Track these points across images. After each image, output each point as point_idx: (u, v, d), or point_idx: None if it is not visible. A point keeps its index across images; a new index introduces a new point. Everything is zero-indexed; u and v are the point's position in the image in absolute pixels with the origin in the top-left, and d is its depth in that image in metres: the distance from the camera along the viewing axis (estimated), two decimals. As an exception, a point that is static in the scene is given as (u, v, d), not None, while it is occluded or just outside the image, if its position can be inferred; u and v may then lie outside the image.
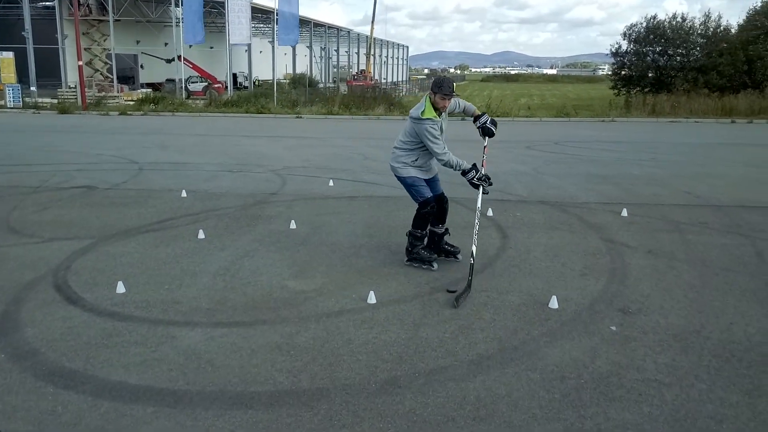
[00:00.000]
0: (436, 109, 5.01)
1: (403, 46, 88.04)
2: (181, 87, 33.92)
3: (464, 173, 5.17)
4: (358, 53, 64.78)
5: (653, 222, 6.77)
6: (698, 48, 31.02)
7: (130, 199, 7.83)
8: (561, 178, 9.55)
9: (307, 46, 51.77)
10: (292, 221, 6.56)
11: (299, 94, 30.20)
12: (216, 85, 36.53)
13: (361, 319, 4.17)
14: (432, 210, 5.19)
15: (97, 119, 21.79)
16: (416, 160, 5.19)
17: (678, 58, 31.52)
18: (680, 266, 5.24)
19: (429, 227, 5.30)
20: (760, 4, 30.13)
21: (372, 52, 62.33)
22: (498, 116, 23.69)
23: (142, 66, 41.85)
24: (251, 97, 28.32)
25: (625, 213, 7.06)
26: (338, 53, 60.83)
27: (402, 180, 5.31)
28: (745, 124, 21.72)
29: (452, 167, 5.15)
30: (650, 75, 31.75)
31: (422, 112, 4.95)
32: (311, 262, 5.35)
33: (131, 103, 27.92)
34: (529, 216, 7.05)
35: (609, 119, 22.96)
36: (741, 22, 31.59)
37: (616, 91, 32.87)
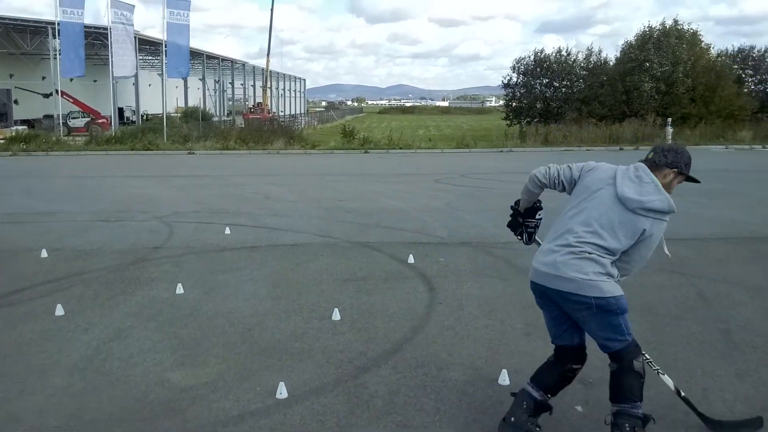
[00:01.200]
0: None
1: (300, 78, 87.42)
2: (60, 123, 31.05)
3: None
4: (254, 86, 63.29)
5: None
6: (581, 80, 32.82)
7: (-27, 264, 6.34)
8: (477, 215, 9.04)
9: (200, 79, 49.78)
10: (179, 285, 5.44)
11: (192, 128, 28.49)
12: (99, 121, 33.86)
13: (270, 425, 3.20)
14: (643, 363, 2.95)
15: (-47, 161, 19.12)
16: (618, 273, 2.86)
17: (563, 89, 33.21)
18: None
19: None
20: (633, 39, 32.31)
21: (269, 85, 61.16)
22: (400, 148, 23.48)
23: (16, 101, 38.24)
24: (138, 132, 26.30)
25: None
26: (233, 86, 59.07)
27: (596, 301, 2.74)
28: (632, 150, 22.82)
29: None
30: (538, 106, 33.20)
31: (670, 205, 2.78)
32: (203, 341, 4.30)
33: (1, 142, 25.02)
34: (453, 261, 6.36)
35: (507, 149, 23.36)
36: (618, 55, 33.81)
37: (508, 121, 34.05)
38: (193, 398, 3.49)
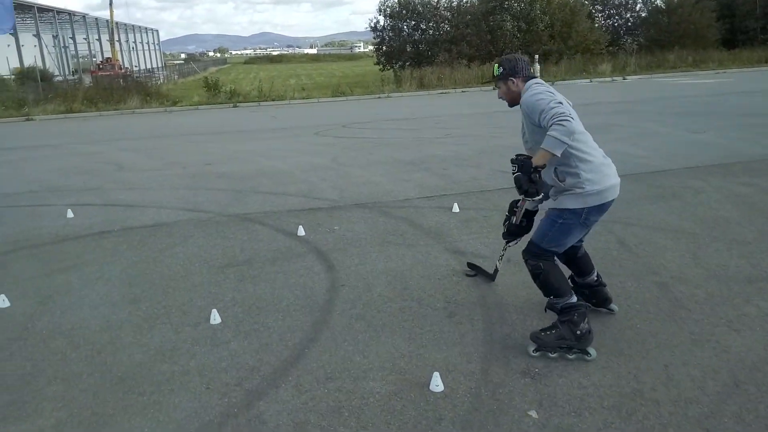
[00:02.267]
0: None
1: (152, 30, 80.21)
2: None
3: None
4: (99, 40, 56.98)
5: (490, 215, 5.75)
6: (447, 21, 32.63)
7: None
8: (367, 169, 8.23)
9: (34, 35, 43.80)
10: (2, 296, 4.15)
11: (28, 91, 24.77)
12: None
13: None
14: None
15: None
16: None
17: (430, 31, 32.90)
18: (554, 277, 4.18)
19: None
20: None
21: (116, 38, 55.30)
22: (273, 100, 21.96)
23: None
24: (-39, 98, 22.38)
25: (456, 209, 5.94)
26: (75, 41, 52.75)
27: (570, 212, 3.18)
28: (504, 90, 23.01)
29: None
30: (409, 49, 32.68)
31: None
32: (34, 378, 3.16)
33: None
34: (350, 229, 5.53)
35: (384, 95, 22.65)
36: (481, -6, 33.85)
37: (380, 66, 33.31)
38: (15, 477, 2.43)
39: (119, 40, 56.61)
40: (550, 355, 3.16)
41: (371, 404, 2.81)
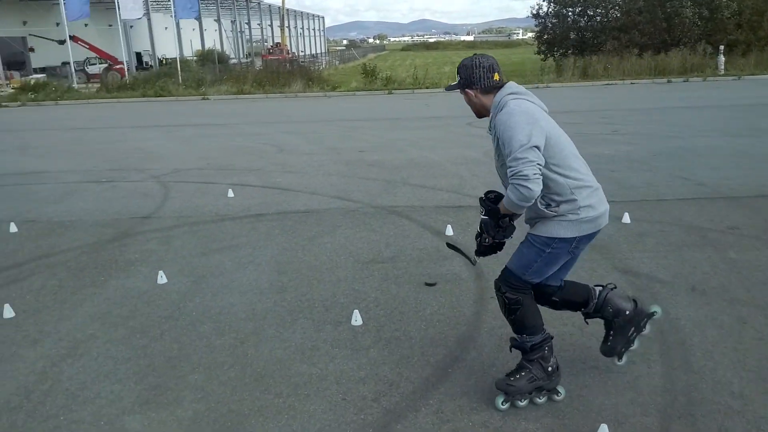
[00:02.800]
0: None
1: (318, 17, 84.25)
2: (73, 71, 29.87)
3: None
4: (271, 26, 60.94)
5: (669, 230, 5.01)
6: (617, 7, 30.22)
7: (-74, 244, 5.32)
8: (523, 167, 7.69)
9: (215, 20, 47.88)
10: (161, 272, 4.33)
11: (206, 72, 27.04)
12: (117, 67, 32.53)
13: None
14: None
15: (-43, 114, 18.21)
16: None
17: (598, 18, 30.66)
18: (753, 318, 3.46)
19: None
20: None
21: (286, 24, 58.76)
22: (426, 88, 21.83)
23: (32, 49, 37.12)
24: (152, 78, 25.01)
25: (627, 219, 5.26)
26: (250, 26, 56.90)
27: (547, 239, 2.74)
28: (681, 83, 20.85)
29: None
30: (572, 36, 30.76)
31: None
32: (179, 362, 3.20)
33: (11, 91, 24.03)
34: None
35: (543, 85, 21.54)
36: (658, -22, 30.88)
37: (542, 55, 31.79)
38: (152, 468, 2.41)
39: (288, 26, 60.07)
40: (519, 404, 2.70)
41: (523, 450, 2.44)
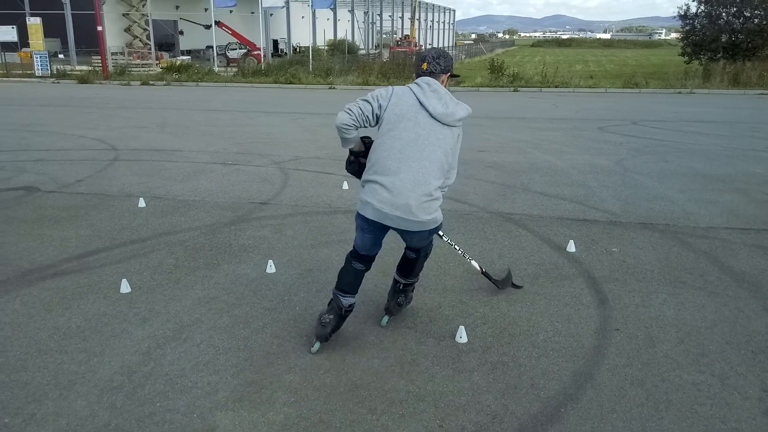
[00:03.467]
0: None
1: (449, 9, 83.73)
2: (215, 54, 31.88)
3: None
4: (402, 18, 61.43)
5: (836, 271, 4.27)
6: (779, 7, 27.07)
7: (68, 212, 5.76)
8: (661, 181, 7.00)
9: (349, 11, 49.12)
10: (270, 261, 4.34)
11: (335, 61, 27.72)
12: (255, 52, 34.32)
13: None
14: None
15: (114, 90, 20.01)
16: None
17: (755, 20, 27.62)
18: None
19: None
20: None
21: (417, 16, 58.95)
22: (556, 87, 20.88)
23: (181, 32, 40.26)
24: (283, 65, 26.07)
25: (784, 252, 4.57)
26: (381, 18, 57.71)
27: (436, 230, 3.24)
28: None
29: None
30: (723, 39, 27.96)
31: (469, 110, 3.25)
32: (276, 359, 3.14)
33: (158, 71, 26.11)
34: (632, 254, 4.62)
35: (686, 90, 19.82)
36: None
37: (686, 57, 29.30)
38: (238, 470, 2.34)
39: (419, 19, 60.26)
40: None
41: None
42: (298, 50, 39.80)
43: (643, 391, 2.85)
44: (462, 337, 3.34)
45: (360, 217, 3.13)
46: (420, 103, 3.01)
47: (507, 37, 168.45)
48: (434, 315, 3.65)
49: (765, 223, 5.41)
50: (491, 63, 24.10)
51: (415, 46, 49.26)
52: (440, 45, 67.64)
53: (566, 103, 16.39)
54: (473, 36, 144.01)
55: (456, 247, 3.99)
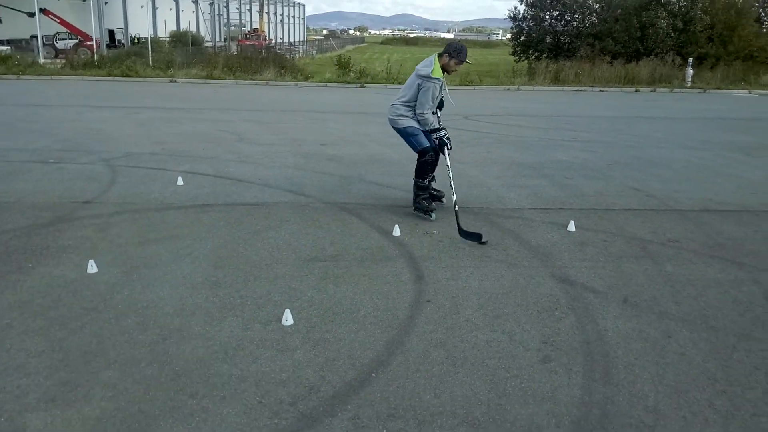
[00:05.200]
0: (444, 71, 5.34)
1: (300, 4, 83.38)
2: (40, 45, 28.98)
3: (436, 131, 5.43)
4: (250, 11, 60.12)
5: (611, 240, 5.05)
6: (594, 13, 30.54)
7: None
8: (482, 169, 7.71)
9: (193, 1, 47.09)
10: (91, 261, 4.19)
11: (177, 54, 26.49)
12: (88, 43, 31.62)
13: None
14: (431, 158, 5.44)
15: None
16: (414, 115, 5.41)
17: (575, 23, 30.95)
18: (678, 332, 3.50)
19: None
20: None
21: (266, 10, 58.02)
22: (399, 83, 21.73)
23: (-1, 20, 35.87)
24: (120, 57, 24.40)
25: (572, 227, 5.29)
26: (228, 9, 56.00)
27: (402, 130, 5.45)
28: (648, 93, 21.21)
29: (427, 125, 5.38)
30: (548, 40, 30.99)
31: (432, 71, 5.18)
32: (95, 357, 3.09)
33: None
34: (449, 235, 5.10)
35: (514, 87, 21.68)
36: (635, -13, 31.31)
37: (516, 57, 32.01)
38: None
39: (268, 12, 59.33)
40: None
41: (431, 461, 2.41)
42: (136, 41, 37.41)
43: (445, 351, 3.23)
44: (288, 320, 3.51)
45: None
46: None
47: (358, 33, 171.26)
48: (262, 302, 3.78)
49: (561, 203, 6.20)
50: (339, 59, 24.52)
51: (265, 40, 48.48)
52: (291, 40, 67.16)
53: (408, 99, 17.17)
54: (324, 32, 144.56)
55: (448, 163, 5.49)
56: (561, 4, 30.77)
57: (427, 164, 5.44)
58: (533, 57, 30.38)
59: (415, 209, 5.58)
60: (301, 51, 46.47)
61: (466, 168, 7.73)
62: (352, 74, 22.98)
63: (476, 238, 4.89)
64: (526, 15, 31.81)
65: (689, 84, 22.81)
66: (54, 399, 2.74)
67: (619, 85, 22.37)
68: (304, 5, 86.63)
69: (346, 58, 24.46)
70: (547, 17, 31.61)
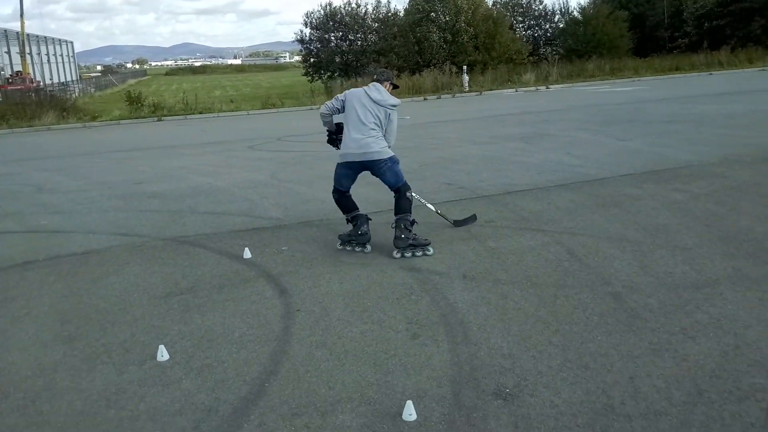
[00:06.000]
0: None
1: (67, 41, 76.56)
2: None
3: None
4: (9, 53, 53.69)
5: (440, 230, 5.71)
6: (374, 32, 32.84)
7: None
8: (310, 185, 8.05)
9: (-68, 45, 40.85)
10: None
11: (-72, 107, 22.88)
12: None
13: None
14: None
15: None
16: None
17: (358, 42, 32.97)
18: (511, 292, 4.16)
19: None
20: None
21: (27, 50, 52.27)
22: (201, 113, 21.33)
23: None
24: None
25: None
26: (-20, 53, 49.50)
27: (390, 160, 5.05)
28: (435, 99, 23.42)
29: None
30: (337, 60, 32.59)
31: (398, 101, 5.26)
32: (-45, 439, 2.81)
33: None
34: (299, 249, 5.34)
35: (315, 107, 22.45)
36: (406, 6, 34.36)
37: (309, 77, 33.12)
38: None
39: (30, 53, 53.65)
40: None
41: (344, 441, 2.66)
42: None
43: (327, 349, 3.48)
44: (163, 355, 3.48)
45: (346, 163, 5.08)
46: (367, 94, 5.03)
47: (137, 66, 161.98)
48: (129, 345, 3.68)
49: (389, 204, 6.79)
50: (129, 95, 23.22)
51: (32, 82, 43.85)
52: (62, 79, 61.45)
53: (214, 128, 16.97)
54: (99, 68, 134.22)
55: (421, 199, 5.68)
56: (343, 25, 32.58)
57: (410, 197, 5.10)
58: (326, 76, 31.68)
59: (410, 248, 4.96)
60: (77, 90, 42.83)
61: (295, 186, 8.01)
62: (146, 109, 21.92)
63: (472, 220, 5.75)
64: (312, 37, 33.09)
65: (467, 89, 25.62)
66: None
67: (409, 95, 24.33)
68: (71, 42, 79.87)
69: (136, 93, 23.24)
70: (333, 38, 33.25)
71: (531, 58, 33.27)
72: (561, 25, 37.28)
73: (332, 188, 5.24)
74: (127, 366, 3.42)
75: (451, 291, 4.22)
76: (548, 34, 37.71)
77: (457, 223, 5.71)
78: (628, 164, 8.17)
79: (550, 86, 26.05)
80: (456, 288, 4.27)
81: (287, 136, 13.68)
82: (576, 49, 33.26)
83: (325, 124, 5.32)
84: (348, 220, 5.25)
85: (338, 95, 5.18)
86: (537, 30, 37.99)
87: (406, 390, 3.01)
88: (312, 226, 6.03)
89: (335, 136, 5.35)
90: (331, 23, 32.58)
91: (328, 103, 5.16)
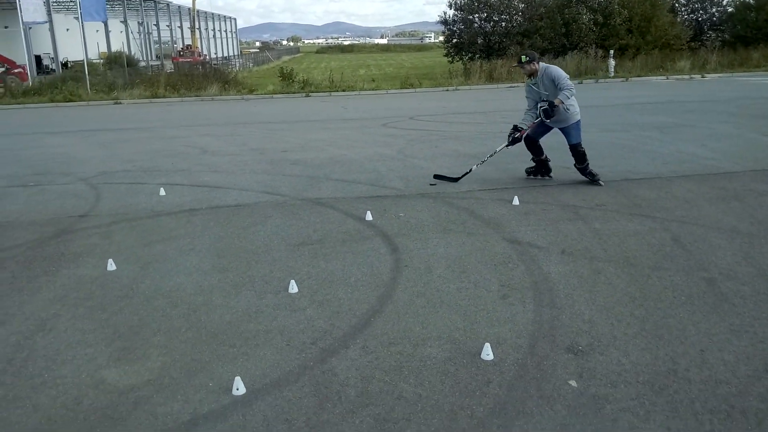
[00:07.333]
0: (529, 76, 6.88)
1: (231, 18, 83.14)
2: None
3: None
4: (181, 27, 59.67)
5: (549, 209, 6.00)
6: (520, 13, 32.25)
7: None
8: (432, 161, 8.59)
9: (122, 21, 46.49)
10: (110, 260, 4.80)
11: (117, 75, 26.46)
12: (15, 71, 30.94)
13: (229, 428, 2.74)
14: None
15: None
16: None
17: (503, 23, 32.58)
18: (605, 269, 4.43)
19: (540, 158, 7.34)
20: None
21: (197, 26, 57.75)
22: (343, 91, 22.58)
23: None
24: (58, 82, 24.22)
25: (516, 201, 6.22)
26: (158, 28, 55.51)
27: (578, 123, 6.89)
28: (576, 84, 22.66)
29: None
30: (479, 41, 32.50)
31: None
32: (141, 329, 3.74)
33: None
34: (414, 216, 5.93)
35: (452, 88, 22.84)
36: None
37: (450, 58, 33.39)
38: (134, 402, 2.98)
39: (199, 28, 59.01)
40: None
41: (428, 366, 3.21)
42: (67, 66, 36.79)
43: (425, 299, 4.04)
44: (294, 288, 4.23)
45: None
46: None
47: (292, 44, 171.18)
48: (268, 279, 4.49)
49: (505, 183, 7.15)
50: (281, 70, 25.13)
51: (199, 55, 48.36)
52: (225, 54, 66.99)
53: (354, 105, 18.03)
54: (258, 44, 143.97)
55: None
56: (488, 6, 32.37)
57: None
58: (467, 58, 31.79)
59: (593, 180, 6.98)
60: (238, 65, 46.63)
61: (419, 162, 8.60)
62: (296, 85, 23.63)
63: (453, 179, 7.12)
64: (456, 18, 33.26)
65: (612, 74, 24.56)
66: (119, 359, 3.39)
67: (548, 79, 23.81)
68: (235, 19, 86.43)
69: (288, 70, 25.09)
70: (477, 19, 33.19)
71: (692, 44, 30.91)
72: (730, 9, 34.07)
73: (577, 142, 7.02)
74: (265, 294, 4.22)
75: (546, 263, 4.57)
76: (714, 19, 34.67)
77: (438, 176, 7.24)
78: (766, 160, 7.77)
79: (706, 75, 24.18)
80: (552, 261, 4.61)
81: (419, 116, 14.29)
82: (744, 36, 30.34)
83: (569, 99, 6.60)
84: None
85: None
86: (701, 14, 35.05)
87: (488, 337, 3.48)
88: (429, 198, 6.58)
89: (553, 109, 6.66)
90: (476, 4, 32.50)
91: (573, 88, 6.57)
